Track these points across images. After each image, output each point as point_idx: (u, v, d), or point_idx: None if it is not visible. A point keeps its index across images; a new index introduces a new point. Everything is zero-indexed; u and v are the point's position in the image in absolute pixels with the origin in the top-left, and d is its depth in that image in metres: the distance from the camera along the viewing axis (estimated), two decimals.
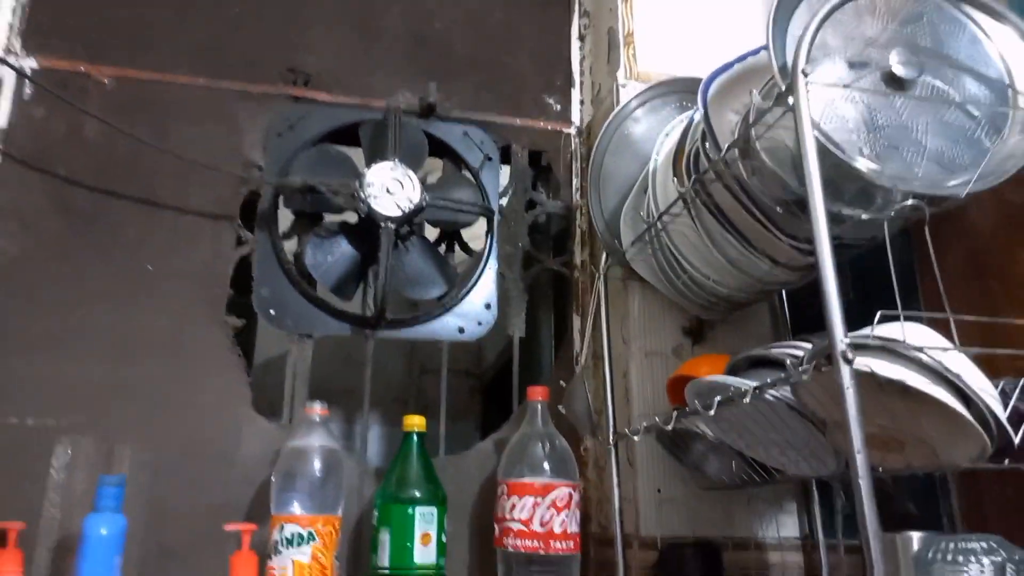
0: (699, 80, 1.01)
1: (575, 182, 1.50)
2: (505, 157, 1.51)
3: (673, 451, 1.11)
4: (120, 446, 1.16)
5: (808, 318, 1.19)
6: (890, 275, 0.78)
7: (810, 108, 0.73)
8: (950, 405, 0.67)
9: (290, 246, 1.36)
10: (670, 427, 0.93)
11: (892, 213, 0.81)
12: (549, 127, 1.53)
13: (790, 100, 0.74)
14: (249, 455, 1.21)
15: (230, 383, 1.25)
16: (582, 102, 1.55)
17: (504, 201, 1.46)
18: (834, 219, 0.81)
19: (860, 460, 0.61)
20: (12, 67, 1.32)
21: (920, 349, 0.68)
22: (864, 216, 0.83)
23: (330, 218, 1.37)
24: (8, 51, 1.34)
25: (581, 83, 1.57)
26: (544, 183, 1.53)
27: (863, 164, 0.79)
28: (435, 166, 1.50)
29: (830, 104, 0.81)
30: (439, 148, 1.46)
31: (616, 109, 1.27)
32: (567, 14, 1.62)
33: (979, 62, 0.86)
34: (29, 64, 1.35)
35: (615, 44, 1.40)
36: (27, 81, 1.34)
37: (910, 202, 0.78)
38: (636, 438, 1.06)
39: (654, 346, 1.21)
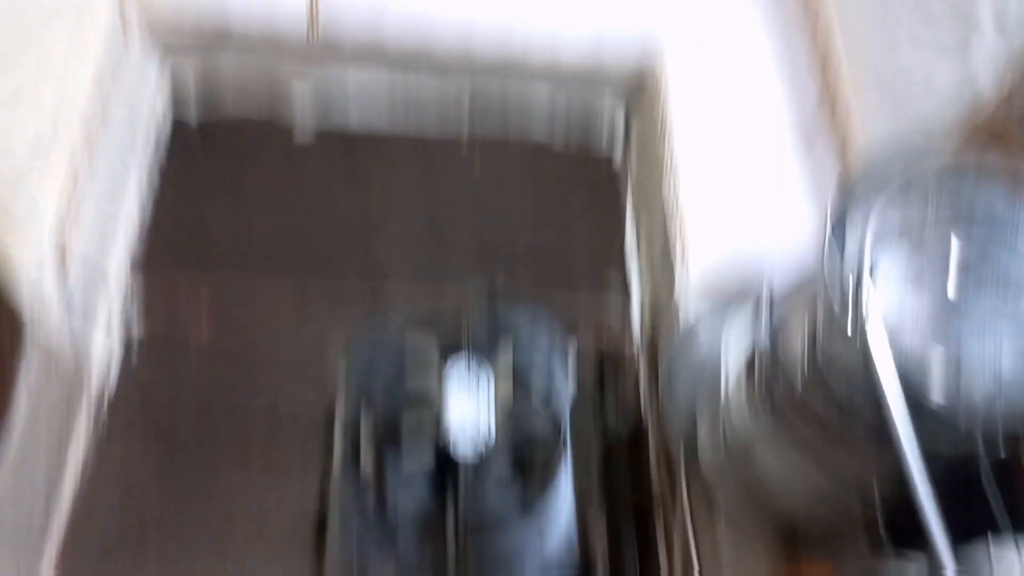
0: (754, 295, 1.01)
1: (643, 393, 1.49)
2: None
3: None
4: None
5: (907, 529, 1.10)
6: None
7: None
8: None
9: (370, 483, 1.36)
10: None
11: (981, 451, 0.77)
12: (611, 341, 1.55)
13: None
14: None
15: None
16: (642, 307, 1.58)
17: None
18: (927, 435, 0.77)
19: None
20: (120, 340, 1.44)
21: None
22: (948, 450, 0.79)
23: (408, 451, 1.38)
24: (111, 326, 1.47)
25: (642, 293, 1.60)
26: (613, 399, 1.52)
27: (936, 398, 0.76)
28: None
29: (896, 327, 0.79)
30: (506, 330, 1.49)
31: (678, 326, 1.29)
32: (620, 224, 1.70)
33: None
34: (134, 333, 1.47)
35: (668, 252, 1.44)
36: (132, 354, 1.45)
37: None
38: None
39: (745, 570, 1.13)
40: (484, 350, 1.36)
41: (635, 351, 1.55)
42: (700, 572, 1.17)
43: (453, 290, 1.56)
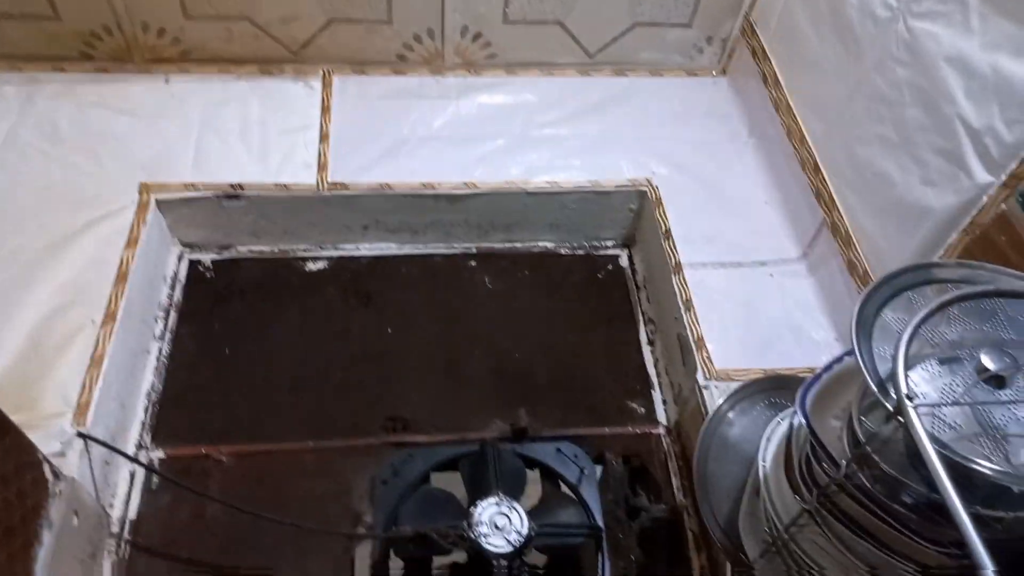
0: (779, 378, 1.05)
1: (674, 482, 1.51)
2: (598, 462, 1.54)
3: None
4: None
5: None
6: None
7: (922, 425, 0.76)
8: None
9: None
10: None
11: None
12: (638, 431, 1.58)
13: (899, 418, 0.78)
14: None
15: None
16: (665, 402, 1.61)
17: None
18: (978, 521, 0.80)
19: None
20: (142, 464, 1.44)
21: None
22: (1000, 515, 0.81)
23: (439, 560, 1.37)
24: (139, 446, 1.47)
25: (660, 384, 1.65)
26: (644, 487, 1.53)
27: (988, 466, 0.79)
28: (534, 485, 1.53)
29: (936, 412, 0.84)
30: (535, 466, 1.50)
31: (710, 415, 1.32)
32: (633, 325, 1.75)
33: None
34: (157, 456, 1.47)
35: (688, 348, 1.49)
36: (153, 480, 1.45)
37: None
38: None
39: None
40: (510, 483, 1.37)
41: (664, 439, 1.57)
42: None
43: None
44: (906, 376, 0.80)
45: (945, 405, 0.82)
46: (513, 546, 1.27)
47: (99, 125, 1.71)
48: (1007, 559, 0.76)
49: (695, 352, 1.46)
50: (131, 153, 1.67)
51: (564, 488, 1.47)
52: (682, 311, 1.53)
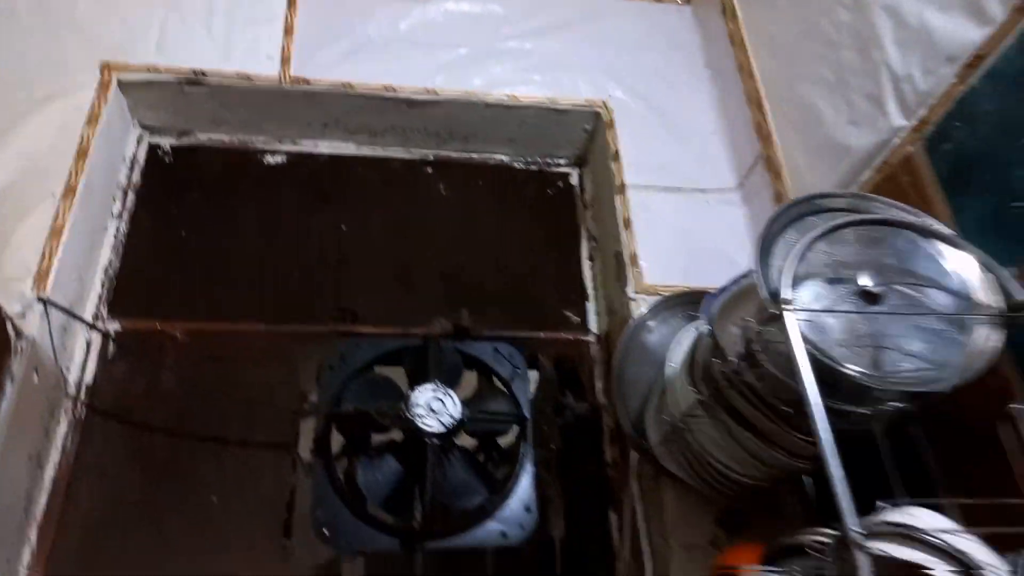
0: (700, 293, 1.17)
1: (598, 384, 1.64)
2: (532, 365, 1.66)
3: None
4: None
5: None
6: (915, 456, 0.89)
7: (798, 328, 0.88)
8: None
9: (341, 466, 1.47)
10: None
11: (887, 408, 0.93)
12: (571, 337, 1.70)
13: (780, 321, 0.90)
14: None
15: None
16: (597, 313, 1.73)
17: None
18: (836, 415, 0.93)
19: None
20: (100, 331, 1.51)
21: (927, 532, 0.77)
22: (862, 411, 0.95)
23: (377, 438, 1.49)
24: (96, 317, 1.54)
25: (595, 296, 1.76)
26: (570, 387, 1.66)
27: (852, 369, 0.92)
28: (471, 379, 1.65)
29: (815, 318, 0.96)
30: (473, 363, 1.61)
31: (632, 322, 1.44)
32: (576, 240, 1.85)
33: (938, 275, 1.02)
34: (113, 327, 1.54)
35: (621, 263, 1.60)
36: (111, 342, 1.53)
37: (899, 404, 0.90)
38: None
39: (692, 539, 1.28)
40: (448, 375, 1.48)
41: (593, 347, 1.69)
42: (648, 530, 1.31)
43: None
44: (791, 286, 0.91)
45: (815, 311, 0.93)
46: (445, 427, 1.39)
47: (59, 3, 1.69)
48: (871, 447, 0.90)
49: (628, 268, 1.57)
50: (94, 34, 1.67)
51: (498, 383, 1.59)
52: (621, 229, 1.63)
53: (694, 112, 1.84)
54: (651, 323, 1.44)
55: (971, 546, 0.78)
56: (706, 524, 1.30)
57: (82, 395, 1.46)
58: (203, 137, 1.83)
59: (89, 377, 1.48)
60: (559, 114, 1.83)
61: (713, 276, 1.54)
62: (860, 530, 0.76)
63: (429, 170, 1.92)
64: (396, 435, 1.45)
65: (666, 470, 1.31)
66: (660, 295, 1.51)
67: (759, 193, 1.64)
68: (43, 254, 1.39)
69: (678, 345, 1.27)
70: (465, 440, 1.49)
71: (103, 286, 1.59)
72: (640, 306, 1.51)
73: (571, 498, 1.53)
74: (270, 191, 1.81)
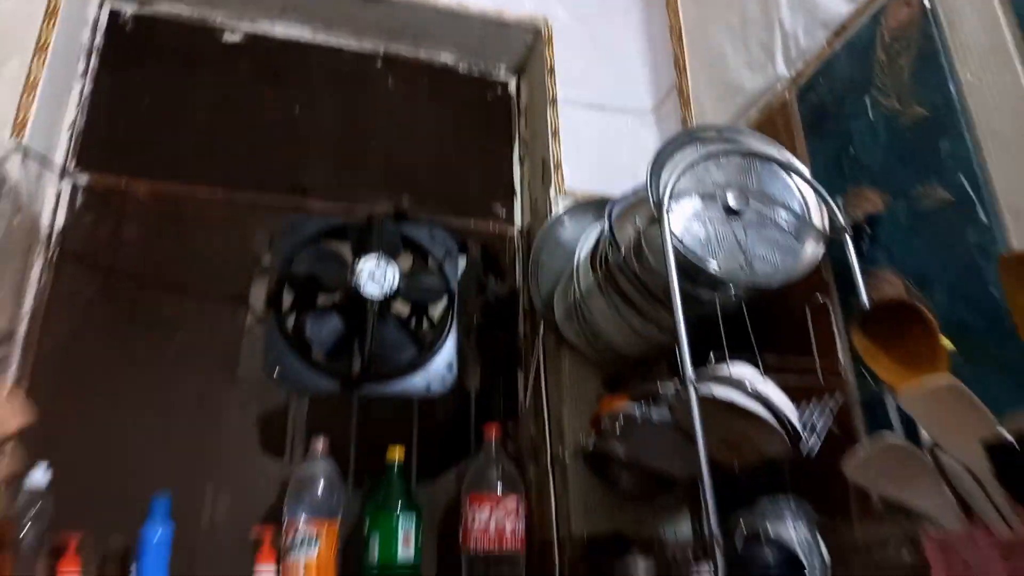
0: (608, 199, 1.43)
1: (517, 270, 1.91)
2: (462, 250, 1.91)
3: (596, 472, 1.48)
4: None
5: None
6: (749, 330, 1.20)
7: (672, 230, 1.16)
8: (762, 416, 1.07)
9: (290, 320, 1.69)
10: (591, 447, 1.30)
11: (733, 295, 1.24)
12: (497, 228, 1.95)
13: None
14: (261, 483, 1.53)
15: (243, 436, 1.57)
16: (521, 210, 1.98)
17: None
18: (696, 299, 1.23)
19: (701, 448, 0.99)
20: (70, 180, 1.65)
21: (740, 379, 1.09)
22: (715, 297, 1.25)
23: (323, 299, 1.72)
24: (64, 170, 1.67)
25: (521, 195, 2.00)
26: (493, 271, 1.93)
27: (712, 265, 1.21)
28: (407, 258, 1.88)
29: (688, 225, 1.24)
30: (410, 243, 1.84)
31: (550, 218, 1.70)
32: (510, 143, 2.07)
33: (787, 197, 1.31)
34: (81, 180, 1.68)
35: (547, 168, 1.84)
36: (79, 193, 1.67)
37: (742, 293, 1.20)
38: (568, 462, 1.43)
39: (582, 395, 1.60)
40: (388, 251, 1.71)
41: (516, 238, 1.95)
42: (546, 390, 1.62)
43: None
44: (670, 198, 1.18)
45: (688, 218, 1.21)
46: (384, 293, 1.63)
47: None
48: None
49: (552, 172, 1.82)
50: None
51: (431, 262, 1.84)
52: (549, 138, 1.86)
53: (624, 38, 2.06)
54: (566, 220, 1.70)
55: (772, 390, 1.10)
56: (594, 385, 1.61)
57: (54, 239, 1.61)
58: (163, 8, 1.91)
59: (60, 223, 1.63)
60: (503, 26, 2.01)
61: (622, 185, 1.80)
62: (693, 377, 1.06)
63: (379, 64, 2.07)
64: (340, 297, 1.69)
65: (566, 341, 1.61)
66: (576, 198, 1.77)
67: (669, 117, 1.89)
68: (18, 106, 1.50)
69: (586, 239, 1.54)
70: (400, 309, 1.74)
71: (70, 141, 1.71)
72: (559, 206, 1.77)
73: (486, 361, 1.83)
74: (227, 67, 1.93)
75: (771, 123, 1.49)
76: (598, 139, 1.90)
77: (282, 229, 1.74)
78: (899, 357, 0.96)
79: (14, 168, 1.45)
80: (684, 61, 1.84)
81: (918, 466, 0.90)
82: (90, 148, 1.73)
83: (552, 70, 1.94)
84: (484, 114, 2.11)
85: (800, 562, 1.03)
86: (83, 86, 1.78)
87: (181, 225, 1.72)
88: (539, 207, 1.86)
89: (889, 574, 1.05)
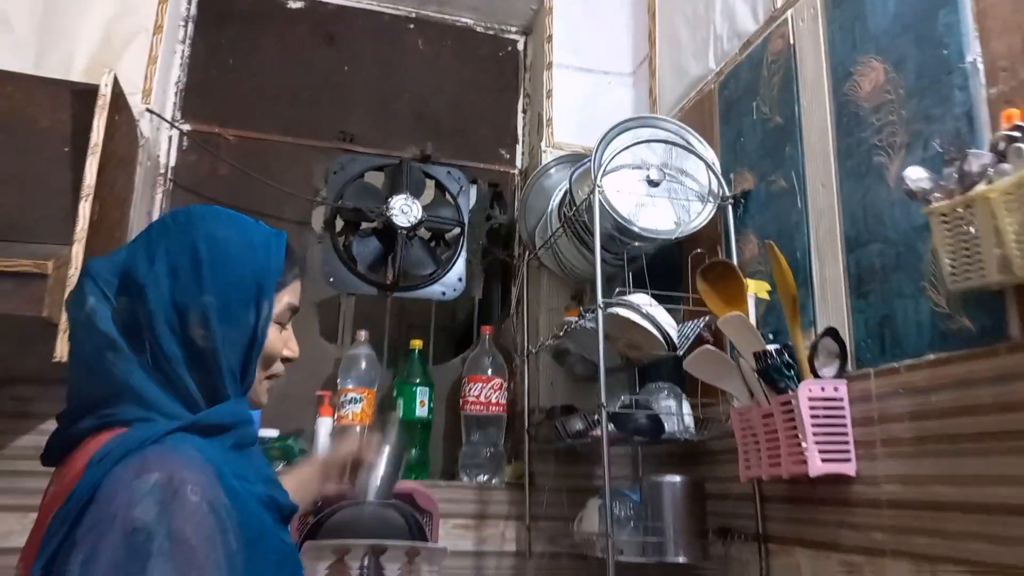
0: (584, 155, 1.92)
1: (516, 204, 2.42)
2: (473, 185, 2.42)
3: (559, 360, 2.05)
4: None
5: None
6: (667, 269, 1.73)
7: (605, 196, 1.66)
8: (649, 329, 1.60)
9: (341, 240, 2.26)
10: (553, 344, 1.86)
11: (647, 245, 1.75)
12: (501, 169, 2.45)
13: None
14: (321, 360, 2.15)
15: (308, 326, 2.18)
16: (522, 154, 2.47)
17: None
18: (624, 244, 1.75)
19: (600, 348, 1.54)
20: (179, 129, 2.20)
21: (638, 304, 1.62)
22: (635, 245, 1.76)
23: (365, 225, 2.28)
24: (174, 119, 2.22)
25: (522, 142, 2.49)
26: (498, 204, 2.45)
27: (636, 223, 1.71)
28: (429, 191, 2.41)
29: (620, 192, 1.73)
30: (432, 180, 2.37)
31: (538, 168, 2.19)
32: (516, 96, 2.53)
33: (694, 172, 1.79)
34: (186, 127, 2.23)
35: (541, 123, 2.31)
36: (184, 138, 2.22)
37: (648, 243, 1.71)
38: (538, 353, 2.00)
39: (553, 304, 2.15)
40: (414, 187, 2.23)
41: (516, 178, 2.45)
42: (527, 301, 2.18)
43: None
44: (603, 172, 1.67)
45: (615, 190, 1.71)
46: (411, 223, 2.18)
47: None
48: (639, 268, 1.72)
49: (545, 127, 2.29)
50: None
51: (448, 196, 2.36)
52: (544, 97, 2.32)
53: (614, 10, 2.45)
54: (552, 170, 2.19)
55: (658, 312, 1.63)
56: (564, 298, 2.16)
57: (169, 174, 2.18)
58: None
59: (172, 163, 2.20)
60: None
61: None
62: (602, 301, 1.59)
63: (411, 26, 2.52)
64: (378, 225, 2.24)
65: (544, 265, 2.14)
66: (561, 150, 2.25)
67: (643, 82, 2.32)
68: (144, 77, 2.04)
69: (558, 191, 2.04)
70: (423, 233, 2.29)
71: (176, 96, 2.25)
72: (548, 156, 2.25)
73: (487, 275, 2.39)
74: (290, 30, 2.41)
75: (701, 106, 1.93)
76: (584, 98, 2.35)
77: (333, 169, 2.29)
78: (723, 296, 1.48)
79: (145, 126, 2.01)
80: (655, 37, 2.25)
81: (725, 364, 1.44)
82: (190, 101, 2.26)
83: (550, 38, 2.37)
84: (497, 69, 2.56)
85: (661, 422, 1.59)
86: (183, 50, 2.29)
87: (259, 163, 2.26)
88: (535, 154, 2.35)
89: (720, 428, 1.60)
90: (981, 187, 0.94)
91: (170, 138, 2.21)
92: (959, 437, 1.07)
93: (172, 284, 0.86)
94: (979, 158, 0.95)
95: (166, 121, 2.16)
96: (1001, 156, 0.93)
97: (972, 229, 0.96)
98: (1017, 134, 0.91)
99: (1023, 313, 0.99)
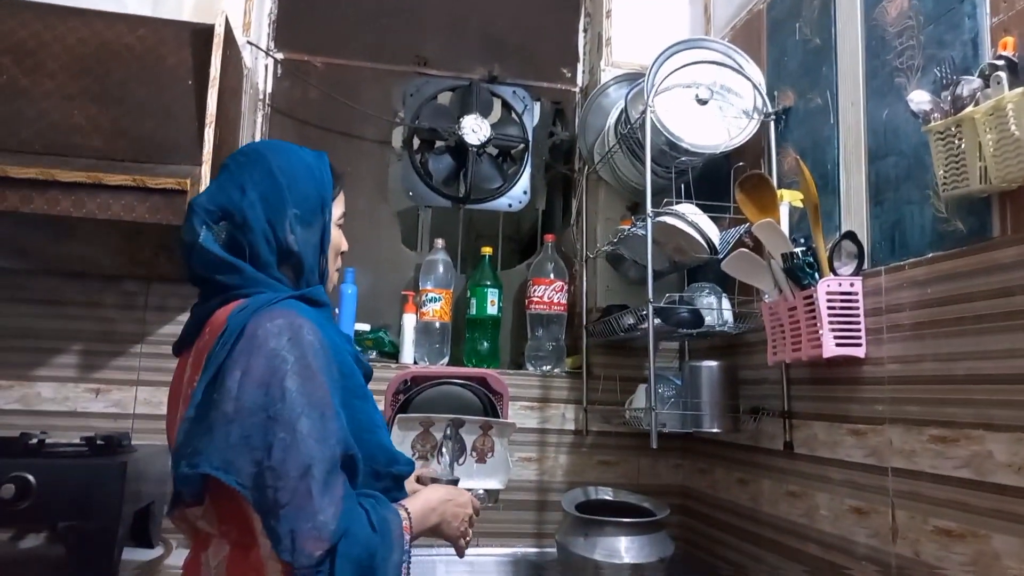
0: (641, 74, 2.09)
1: (576, 121, 2.60)
2: (537, 102, 2.61)
3: (614, 265, 2.28)
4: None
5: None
6: (715, 182, 1.92)
7: (656, 115, 1.84)
8: (693, 235, 1.81)
9: (418, 157, 2.50)
10: (609, 250, 2.09)
11: (697, 159, 1.93)
12: (563, 88, 2.63)
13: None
14: (403, 265, 2.44)
15: (392, 234, 2.46)
16: (582, 73, 2.63)
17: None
18: (675, 158, 1.94)
19: (649, 252, 1.76)
20: (273, 58, 2.45)
21: (682, 212, 1.82)
22: (686, 159, 1.94)
23: (439, 144, 2.51)
24: (269, 49, 2.46)
25: (583, 60, 2.64)
26: (560, 121, 2.63)
27: (684, 138, 1.89)
28: (497, 110, 2.60)
29: (670, 111, 1.90)
30: (499, 99, 2.56)
31: (597, 87, 2.36)
32: (577, 17, 2.67)
33: (740, 91, 1.94)
34: (278, 56, 2.48)
35: (601, 42, 2.46)
36: (278, 66, 2.47)
37: (702, 156, 1.89)
38: (595, 258, 2.24)
39: (610, 214, 2.36)
40: (483, 108, 2.43)
41: (577, 95, 2.63)
42: (586, 211, 2.40)
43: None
44: (655, 93, 1.85)
45: (666, 109, 1.88)
46: (480, 141, 2.40)
47: None
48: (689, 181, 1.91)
49: (604, 47, 2.44)
50: None
51: (513, 115, 2.56)
52: (603, 18, 2.46)
53: None
54: (610, 89, 2.36)
55: (702, 219, 1.83)
56: (620, 208, 2.37)
57: (267, 100, 2.45)
58: None
59: (269, 89, 2.46)
60: None
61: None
62: (652, 210, 1.80)
63: None
64: (451, 142, 2.47)
65: (602, 178, 2.34)
66: (620, 68, 2.40)
67: (698, 2, 2.43)
68: (244, 12, 2.27)
69: (616, 109, 2.22)
70: (491, 150, 2.51)
71: (269, 27, 2.49)
72: (607, 74, 2.41)
73: (550, 188, 2.61)
74: None
75: (751, 25, 2.05)
76: (642, 17, 2.47)
77: (409, 91, 2.51)
78: (758, 205, 1.67)
79: (247, 57, 2.26)
80: None
81: (757, 264, 1.64)
82: (282, 31, 2.50)
83: None
84: None
85: (701, 315, 1.82)
86: None
87: (344, 88, 2.50)
88: (594, 72, 2.51)
89: (754, 320, 1.81)
90: (969, 109, 1.11)
91: (266, 67, 2.46)
92: (948, 322, 1.27)
93: (264, 206, 1.16)
94: (969, 83, 1.11)
95: (262, 51, 2.41)
96: (988, 82, 1.09)
97: (961, 145, 1.13)
98: (1001, 63, 1.07)
99: (1004, 216, 1.17)
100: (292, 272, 1.18)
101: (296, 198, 1.18)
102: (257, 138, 2.41)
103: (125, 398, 2.10)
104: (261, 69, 2.45)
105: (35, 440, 1.75)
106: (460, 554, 1.32)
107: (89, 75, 1.73)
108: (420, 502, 1.20)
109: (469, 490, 1.38)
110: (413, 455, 1.84)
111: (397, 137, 2.57)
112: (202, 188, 1.77)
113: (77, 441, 1.78)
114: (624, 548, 1.72)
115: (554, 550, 1.92)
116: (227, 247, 1.14)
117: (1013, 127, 1.03)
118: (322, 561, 0.97)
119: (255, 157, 1.20)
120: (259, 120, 2.43)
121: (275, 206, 1.16)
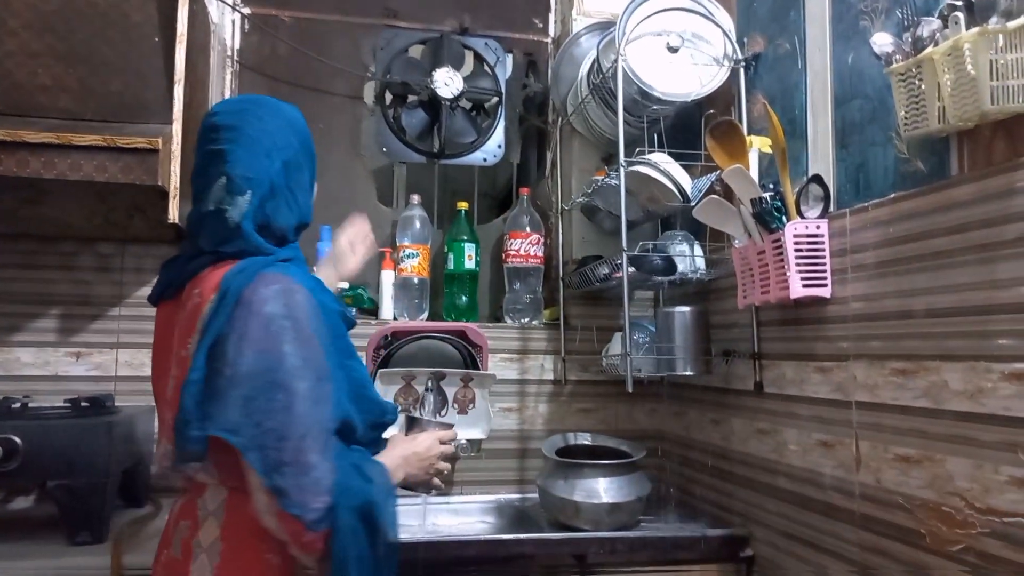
0: (612, 23, 2.10)
1: (549, 72, 2.59)
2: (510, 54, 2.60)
3: (589, 216, 2.30)
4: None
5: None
6: (688, 130, 1.93)
7: (628, 64, 1.85)
8: (665, 183, 1.84)
9: (391, 112, 2.49)
10: (584, 202, 2.11)
11: (668, 107, 1.94)
12: (535, 39, 2.61)
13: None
14: (380, 222, 2.44)
15: (367, 191, 2.46)
16: (554, 23, 2.61)
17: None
18: (645, 107, 1.95)
19: (623, 202, 1.79)
20: (240, 12, 2.41)
21: (655, 162, 1.84)
22: (656, 107, 1.96)
23: (412, 98, 2.49)
24: (234, 3, 2.42)
25: (554, 11, 2.62)
26: (533, 73, 2.63)
27: (656, 87, 1.90)
28: (468, 62, 2.59)
29: (642, 59, 1.91)
30: (470, 51, 2.54)
31: (569, 36, 2.35)
32: None
33: (711, 38, 1.94)
34: (245, 10, 2.43)
35: None
36: (245, 20, 2.43)
37: (673, 103, 1.91)
38: (570, 210, 2.26)
39: (584, 165, 2.38)
40: (455, 60, 2.42)
41: (549, 46, 2.62)
42: (561, 163, 2.41)
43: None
44: (626, 41, 1.85)
45: (639, 55, 1.89)
46: (453, 94, 2.39)
47: None
48: (659, 131, 1.93)
49: None
50: None
51: (486, 67, 2.54)
52: None
53: None
54: (582, 39, 2.35)
55: (674, 168, 1.86)
56: (594, 160, 2.38)
57: (235, 56, 2.41)
58: None
59: (237, 45, 2.42)
60: None
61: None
62: (624, 160, 1.82)
63: None
64: (424, 97, 2.46)
65: (576, 130, 2.35)
66: (591, 17, 2.39)
67: None
68: None
69: (587, 59, 2.22)
70: (465, 103, 2.50)
71: None
72: (578, 24, 2.40)
73: (524, 141, 2.61)
74: None
75: None
76: None
77: (380, 45, 2.49)
78: (728, 152, 1.70)
79: (213, 12, 2.22)
80: None
81: (728, 210, 1.68)
82: None
83: None
84: None
85: (674, 262, 1.86)
86: None
87: (314, 42, 2.47)
88: (566, 22, 2.50)
89: (725, 267, 1.86)
90: (929, 50, 1.13)
91: (233, 22, 2.42)
92: (909, 259, 1.32)
93: (285, 174, 1.22)
94: (929, 24, 1.14)
95: (228, 5, 2.37)
96: (946, 23, 1.11)
97: (921, 86, 1.16)
98: (959, 3, 1.09)
99: (961, 155, 1.20)
100: (301, 224, 1.28)
101: (308, 159, 1.30)
102: (227, 95, 2.38)
103: (106, 361, 2.11)
104: (228, 24, 2.41)
105: (18, 404, 1.76)
106: (433, 491, 1.40)
107: (53, 33, 1.70)
108: (387, 460, 1.25)
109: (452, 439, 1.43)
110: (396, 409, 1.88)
111: (369, 92, 2.55)
112: (174, 147, 1.76)
113: (61, 403, 1.79)
114: (603, 488, 1.78)
115: (536, 495, 1.98)
116: (255, 216, 1.18)
117: (969, 67, 1.06)
118: (327, 514, 1.04)
119: (274, 117, 1.25)
120: (228, 77, 2.40)
121: (294, 173, 1.25)
